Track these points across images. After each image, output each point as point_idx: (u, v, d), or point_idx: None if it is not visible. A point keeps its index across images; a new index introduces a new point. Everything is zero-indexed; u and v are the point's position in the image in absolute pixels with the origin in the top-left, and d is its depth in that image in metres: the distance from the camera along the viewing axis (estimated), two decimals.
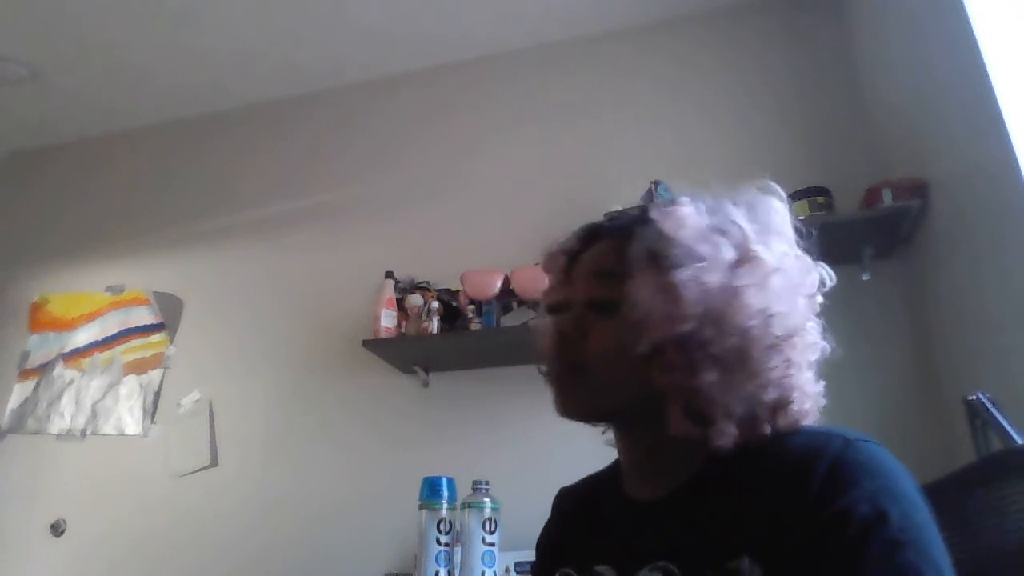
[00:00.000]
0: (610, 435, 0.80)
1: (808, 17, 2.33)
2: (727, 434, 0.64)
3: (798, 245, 0.72)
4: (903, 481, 0.59)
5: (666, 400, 0.67)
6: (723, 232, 0.68)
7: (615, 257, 0.72)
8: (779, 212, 0.72)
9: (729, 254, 0.67)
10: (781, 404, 0.66)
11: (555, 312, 0.76)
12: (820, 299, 0.72)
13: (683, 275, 0.65)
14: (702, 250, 0.66)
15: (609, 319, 0.70)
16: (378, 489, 2.17)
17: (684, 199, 0.71)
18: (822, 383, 0.71)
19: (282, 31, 2.57)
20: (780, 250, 0.69)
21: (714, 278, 0.65)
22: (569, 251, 0.77)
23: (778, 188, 0.73)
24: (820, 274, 0.71)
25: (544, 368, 0.76)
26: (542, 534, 0.87)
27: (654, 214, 0.70)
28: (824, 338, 0.71)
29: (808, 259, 0.71)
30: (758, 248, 0.67)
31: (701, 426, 0.65)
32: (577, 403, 0.73)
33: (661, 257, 0.67)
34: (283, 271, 2.59)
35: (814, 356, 0.70)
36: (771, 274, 0.67)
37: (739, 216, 0.70)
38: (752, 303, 0.65)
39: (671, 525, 0.67)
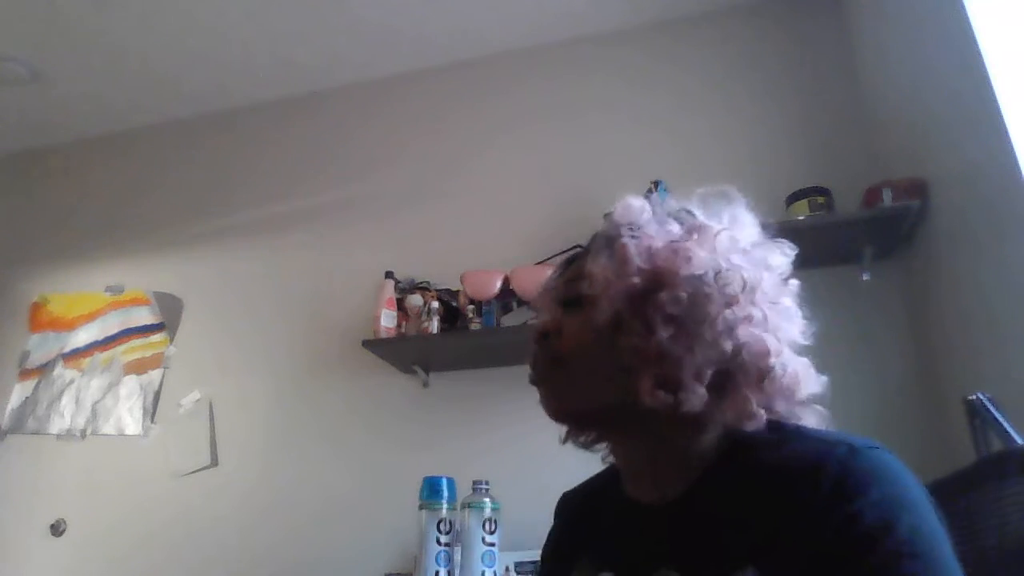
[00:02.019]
0: (609, 456, 0.80)
1: (808, 17, 2.33)
2: (696, 395, 0.64)
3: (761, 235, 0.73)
4: (912, 490, 0.58)
5: (634, 375, 0.67)
6: (671, 215, 0.72)
7: (582, 263, 0.75)
8: (734, 207, 0.73)
9: (676, 228, 0.70)
10: (762, 372, 0.66)
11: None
12: (794, 281, 0.72)
13: (628, 240, 0.69)
14: (650, 228, 0.70)
15: (577, 313, 0.72)
16: (378, 489, 2.17)
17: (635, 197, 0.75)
18: (808, 360, 0.70)
19: (282, 31, 2.57)
20: (732, 224, 0.71)
21: (660, 243, 0.69)
22: (549, 287, 0.81)
23: (735, 192, 0.74)
24: (781, 250, 0.72)
25: (530, 379, 0.77)
26: (547, 541, 0.87)
27: (610, 211, 0.75)
28: (807, 321, 0.71)
29: (768, 239, 0.72)
30: (705, 222, 0.70)
31: (672, 392, 0.65)
32: (562, 398, 0.73)
33: (611, 237, 0.71)
34: (283, 271, 2.59)
35: (793, 327, 0.70)
36: (718, 233, 0.69)
37: (691, 207, 0.73)
38: (698, 257, 0.67)
39: (675, 531, 0.67)
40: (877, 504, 0.55)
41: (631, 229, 0.70)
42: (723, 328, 0.65)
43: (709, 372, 0.65)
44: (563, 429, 0.80)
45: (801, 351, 0.70)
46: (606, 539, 0.76)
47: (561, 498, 0.89)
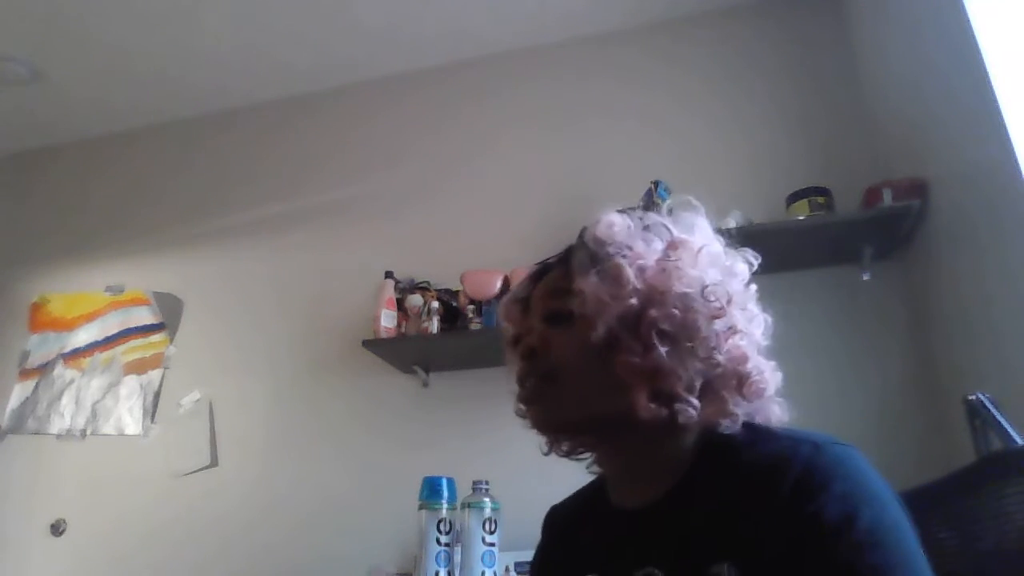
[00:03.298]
0: (594, 465, 0.82)
1: (808, 17, 2.33)
2: (691, 408, 0.67)
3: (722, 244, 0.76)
4: (873, 482, 0.60)
5: (630, 391, 0.68)
6: (650, 230, 0.73)
7: (562, 277, 0.76)
8: (699, 216, 0.76)
9: (659, 245, 0.72)
10: (741, 377, 0.69)
11: (518, 344, 0.78)
12: (754, 286, 0.75)
13: (620, 260, 0.70)
14: (634, 245, 0.72)
15: (566, 328, 0.73)
16: (378, 489, 2.17)
17: (610, 211, 0.76)
18: (773, 362, 0.73)
19: (282, 31, 2.57)
20: (704, 236, 0.74)
21: (649, 261, 0.70)
22: (522, 296, 0.81)
23: (696, 202, 0.77)
24: (746, 258, 0.75)
25: (518, 397, 0.77)
26: (535, 555, 0.87)
27: (586, 228, 0.76)
28: (767, 319, 0.74)
29: (732, 249, 0.75)
30: (684, 236, 0.73)
31: (667, 406, 0.67)
32: (552, 411, 0.75)
33: (599, 256, 0.72)
34: (283, 271, 2.59)
35: (759, 330, 0.73)
36: (699, 250, 0.71)
37: (663, 219, 0.75)
38: (687, 274, 0.69)
39: (655, 532, 0.69)
40: (840, 498, 0.58)
41: (619, 248, 0.71)
42: (712, 341, 0.68)
43: (699, 383, 0.68)
44: (545, 440, 0.82)
45: (766, 352, 0.74)
46: (590, 545, 0.77)
47: (548, 512, 0.90)
